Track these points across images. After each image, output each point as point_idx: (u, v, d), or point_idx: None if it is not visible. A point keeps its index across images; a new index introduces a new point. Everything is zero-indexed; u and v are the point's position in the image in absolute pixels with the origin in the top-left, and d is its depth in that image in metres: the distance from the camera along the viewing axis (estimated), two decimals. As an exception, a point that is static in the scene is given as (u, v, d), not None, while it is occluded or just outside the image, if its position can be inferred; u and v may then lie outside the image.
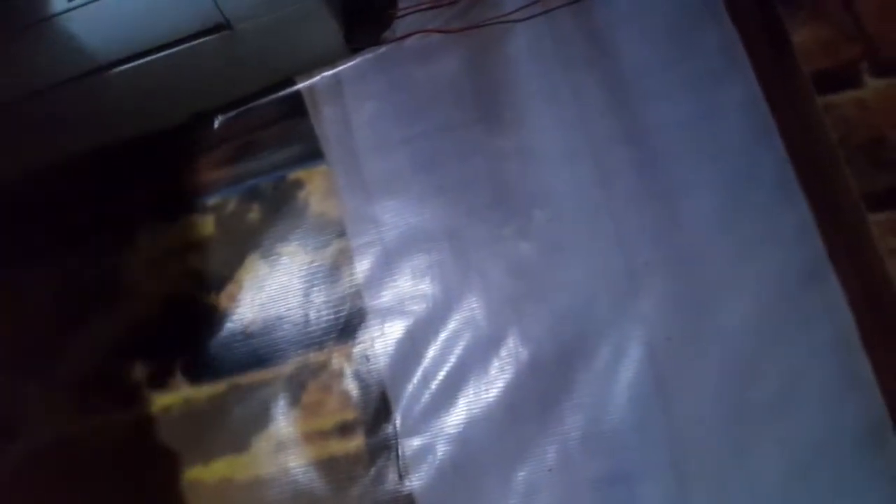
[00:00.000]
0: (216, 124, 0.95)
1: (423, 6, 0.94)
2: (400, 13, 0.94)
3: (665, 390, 0.75)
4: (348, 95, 0.92)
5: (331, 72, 0.93)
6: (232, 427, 0.86)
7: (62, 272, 0.96)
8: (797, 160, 0.77)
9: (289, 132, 0.94)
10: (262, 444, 0.85)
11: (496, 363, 0.80)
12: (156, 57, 0.84)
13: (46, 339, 0.94)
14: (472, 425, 0.79)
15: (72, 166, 0.96)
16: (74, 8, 0.79)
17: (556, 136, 0.85)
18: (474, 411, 0.79)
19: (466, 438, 0.78)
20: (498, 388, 0.79)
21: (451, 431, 0.79)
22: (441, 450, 0.79)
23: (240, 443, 0.86)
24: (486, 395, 0.79)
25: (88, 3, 0.79)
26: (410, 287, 0.85)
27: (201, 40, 0.84)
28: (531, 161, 0.85)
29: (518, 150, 0.86)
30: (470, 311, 0.82)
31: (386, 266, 0.86)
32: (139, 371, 0.91)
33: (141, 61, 0.84)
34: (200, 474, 0.87)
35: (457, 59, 0.90)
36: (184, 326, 0.91)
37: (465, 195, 0.86)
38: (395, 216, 0.87)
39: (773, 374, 0.73)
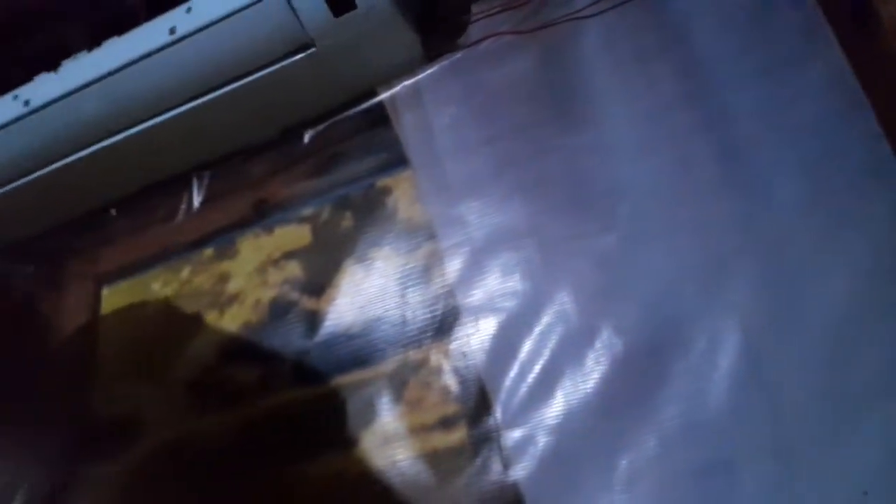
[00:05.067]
0: (306, 139, 1.00)
1: (495, 10, 0.95)
2: (473, 18, 0.96)
3: (764, 376, 0.74)
4: (428, 102, 0.95)
5: (410, 80, 0.96)
6: (339, 424, 0.91)
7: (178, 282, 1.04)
8: (892, 133, 0.75)
9: (374, 141, 0.98)
10: (369, 439, 0.89)
11: (591, 355, 0.81)
12: (249, 80, 0.89)
13: (163, 343, 1.02)
14: (571, 416, 0.80)
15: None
16: (176, 42, 0.85)
17: (632, 129, 0.85)
18: (572, 403, 0.80)
19: (566, 429, 0.80)
20: (594, 379, 0.80)
21: (551, 423, 0.81)
22: (542, 440, 0.81)
23: (348, 439, 0.90)
24: (583, 387, 0.81)
25: (187, 35, 0.85)
26: (500, 284, 0.87)
27: (288, 61, 0.88)
28: (609, 155, 0.86)
29: (595, 145, 0.86)
30: (560, 305, 0.84)
31: (475, 265, 0.88)
32: (248, 373, 0.97)
33: (236, 84, 0.89)
34: (310, 470, 0.91)
35: (530, 59, 0.92)
36: (288, 330, 0.97)
37: (545, 192, 0.87)
38: (480, 216, 0.90)
39: (874, 355, 0.72)
